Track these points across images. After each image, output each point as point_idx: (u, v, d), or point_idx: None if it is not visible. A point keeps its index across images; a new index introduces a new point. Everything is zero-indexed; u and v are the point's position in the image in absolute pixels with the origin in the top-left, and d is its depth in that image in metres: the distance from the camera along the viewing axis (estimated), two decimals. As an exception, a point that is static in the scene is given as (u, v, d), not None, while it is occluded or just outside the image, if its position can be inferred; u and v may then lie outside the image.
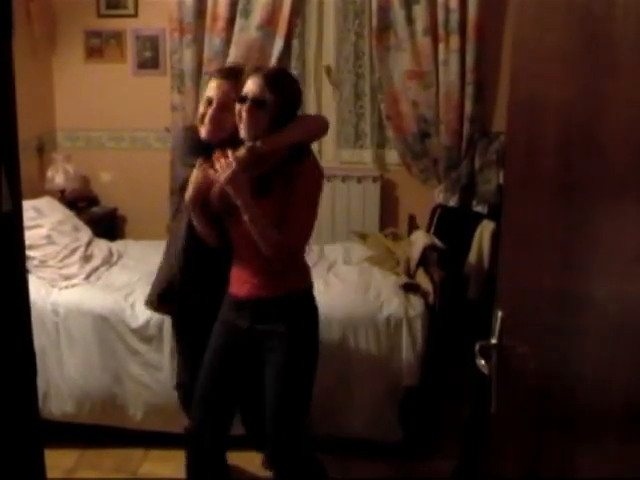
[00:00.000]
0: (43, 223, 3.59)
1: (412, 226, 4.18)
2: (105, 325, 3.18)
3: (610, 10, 1.05)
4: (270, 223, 2.29)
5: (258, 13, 4.35)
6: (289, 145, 2.35)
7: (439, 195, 4.50)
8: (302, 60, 4.66)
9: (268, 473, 2.86)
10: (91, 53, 4.75)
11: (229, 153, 2.29)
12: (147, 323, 3.16)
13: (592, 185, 1.10)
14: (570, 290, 1.19)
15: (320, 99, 4.72)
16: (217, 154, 2.33)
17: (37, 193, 4.03)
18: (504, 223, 1.60)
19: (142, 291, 3.35)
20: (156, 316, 3.15)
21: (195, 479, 2.69)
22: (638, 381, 0.94)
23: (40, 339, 3.08)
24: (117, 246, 4.00)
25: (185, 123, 4.57)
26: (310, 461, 2.59)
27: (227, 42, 4.41)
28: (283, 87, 2.36)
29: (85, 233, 3.87)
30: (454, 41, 4.25)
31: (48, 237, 3.53)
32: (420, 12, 4.26)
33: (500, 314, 1.46)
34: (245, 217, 2.27)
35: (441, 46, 4.29)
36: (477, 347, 1.49)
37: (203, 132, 2.46)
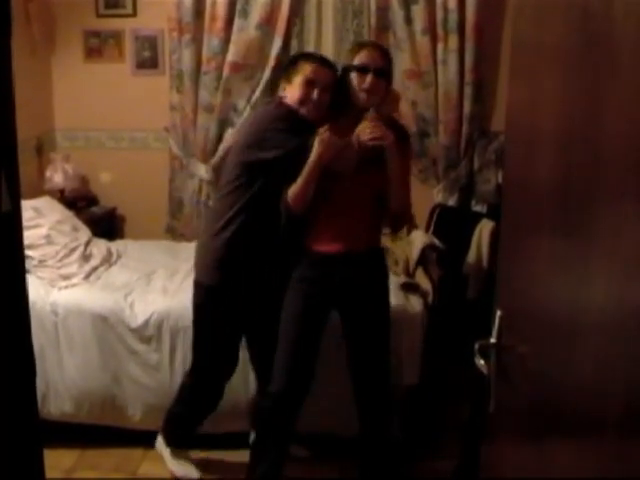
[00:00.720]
0: (42, 223, 3.59)
1: (411, 225, 4.18)
2: (104, 325, 3.18)
3: (609, 10, 1.05)
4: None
5: (257, 13, 4.35)
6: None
7: (438, 195, 4.50)
8: (301, 60, 4.66)
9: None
10: (90, 53, 4.75)
11: (373, 116, 2.50)
12: (146, 323, 3.16)
13: (591, 185, 1.10)
14: (569, 289, 1.19)
15: (319, 99, 4.71)
16: (349, 120, 2.56)
17: (36, 193, 4.03)
18: (503, 222, 1.60)
19: (141, 291, 3.36)
20: (155, 316, 3.16)
21: (278, 441, 2.75)
22: (638, 381, 0.94)
23: (39, 339, 3.08)
24: (116, 246, 4.00)
25: (184, 123, 4.58)
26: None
27: (226, 42, 4.41)
28: (391, 58, 2.71)
29: (84, 233, 3.87)
30: (453, 41, 4.25)
31: (47, 237, 3.53)
32: (419, 12, 4.27)
33: (499, 313, 1.47)
34: (394, 176, 2.53)
35: (440, 46, 4.29)
36: (476, 346, 1.49)
37: (307, 112, 2.62)
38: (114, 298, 3.26)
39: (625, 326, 0.98)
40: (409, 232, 4.08)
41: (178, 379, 3.09)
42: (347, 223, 2.62)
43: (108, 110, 4.78)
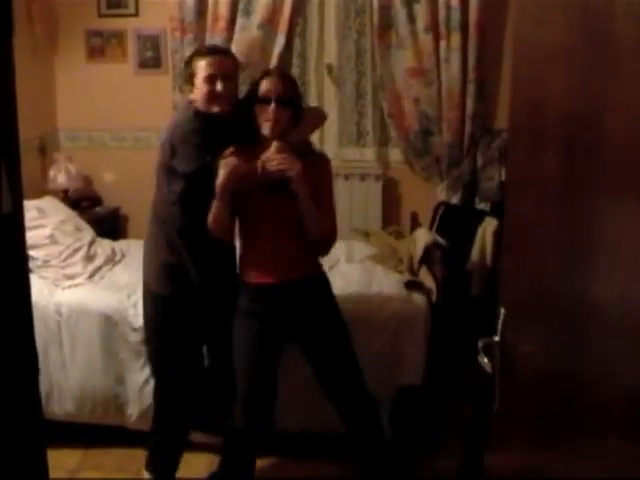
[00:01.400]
0: (46, 223, 3.59)
1: (414, 224, 4.18)
2: (108, 324, 3.19)
3: (611, 8, 1.05)
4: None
5: (259, 12, 4.35)
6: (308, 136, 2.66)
7: (441, 192, 4.49)
8: (303, 59, 4.66)
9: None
10: (92, 53, 4.76)
11: (279, 145, 2.46)
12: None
13: (594, 183, 1.10)
14: (573, 287, 1.18)
15: (322, 98, 4.71)
16: (254, 149, 2.51)
17: (39, 193, 4.04)
18: (507, 220, 1.60)
19: (145, 290, 3.36)
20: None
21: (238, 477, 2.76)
22: (641, 379, 0.93)
23: (43, 339, 3.08)
24: (120, 245, 4.00)
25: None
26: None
27: (228, 41, 4.41)
28: (297, 84, 2.67)
29: (88, 233, 3.87)
30: (455, 39, 4.25)
31: (51, 237, 3.53)
32: (421, 10, 4.26)
33: (503, 311, 1.46)
34: (304, 206, 2.48)
35: (442, 44, 4.28)
36: (480, 344, 1.49)
37: (216, 108, 2.57)
38: (118, 298, 3.26)
39: (630, 323, 0.97)
40: (413, 230, 4.08)
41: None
42: (276, 251, 2.57)
43: (111, 110, 4.78)
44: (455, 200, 4.46)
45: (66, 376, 3.21)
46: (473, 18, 4.22)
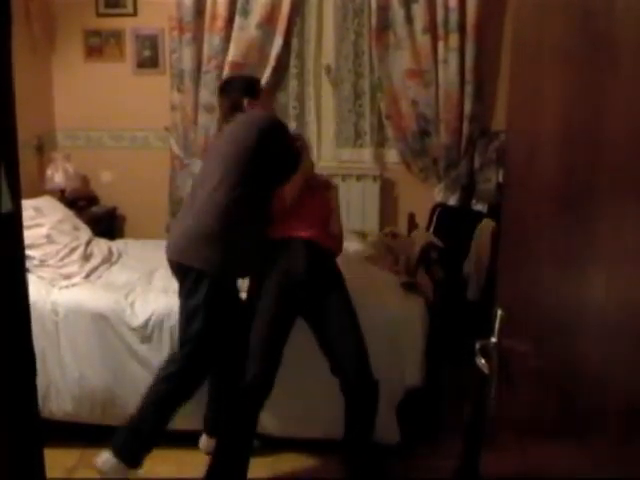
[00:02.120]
0: (43, 222, 3.58)
1: (412, 225, 4.18)
2: (105, 324, 3.18)
3: (610, 8, 1.05)
4: None
5: (257, 12, 4.36)
6: None
7: (439, 194, 4.50)
8: (301, 59, 4.66)
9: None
10: (90, 52, 4.76)
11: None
12: (147, 322, 3.16)
13: (592, 184, 1.10)
14: (570, 289, 1.19)
15: (320, 98, 4.72)
16: None
17: (37, 192, 4.03)
18: (504, 222, 1.60)
19: (142, 290, 3.36)
20: (156, 315, 3.16)
21: (245, 435, 2.84)
22: (638, 381, 0.94)
23: (40, 339, 3.07)
24: (117, 245, 4.00)
25: (185, 122, 4.58)
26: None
27: (226, 41, 4.42)
28: None
29: (85, 232, 3.87)
30: (453, 40, 4.25)
31: (48, 236, 3.53)
32: (419, 11, 4.27)
33: (500, 313, 1.46)
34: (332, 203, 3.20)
35: (440, 45, 4.29)
36: (477, 346, 1.49)
37: None
38: (115, 297, 3.26)
39: (626, 325, 0.98)
40: (410, 232, 4.08)
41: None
42: (310, 224, 3.06)
43: (109, 109, 4.78)
44: (452, 201, 4.47)
45: (63, 376, 3.20)
46: (471, 19, 4.23)
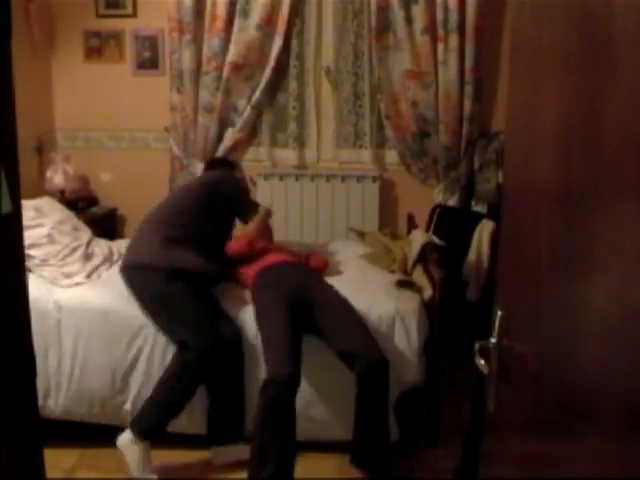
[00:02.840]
0: (44, 222, 3.59)
1: (411, 225, 4.18)
2: (106, 323, 3.19)
3: (609, 9, 1.05)
4: None
5: (257, 13, 4.36)
6: None
7: (438, 195, 4.50)
8: (301, 60, 4.66)
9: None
10: (90, 53, 4.76)
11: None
12: (147, 321, 3.16)
13: (591, 184, 1.10)
14: (570, 289, 1.19)
15: (319, 99, 4.72)
16: None
17: (37, 193, 4.03)
18: (503, 222, 1.60)
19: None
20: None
21: (287, 430, 2.84)
22: (638, 381, 0.94)
23: (41, 337, 3.08)
24: (117, 245, 4.00)
25: (184, 123, 4.58)
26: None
27: (226, 42, 4.42)
28: None
29: (85, 233, 3.87)
30: (453, 41, 4.26)
31: (49, 236, 3.54)
32: (419, 12, 4.27)
33: (499, 313, 1.46)
34: None
35: (440, 46, 4.29)
36: (477, 347, 1.49)
37: None
38: (116, 297, 3.26)
39: (626, 325, 0.98)
40: (409, 232, 4.09)
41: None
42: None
43: (108, 110, 4.78)
44: (452, 202, 4.47)
45: (64, 375, 3.20)
46: (470, 20, 4.23)
